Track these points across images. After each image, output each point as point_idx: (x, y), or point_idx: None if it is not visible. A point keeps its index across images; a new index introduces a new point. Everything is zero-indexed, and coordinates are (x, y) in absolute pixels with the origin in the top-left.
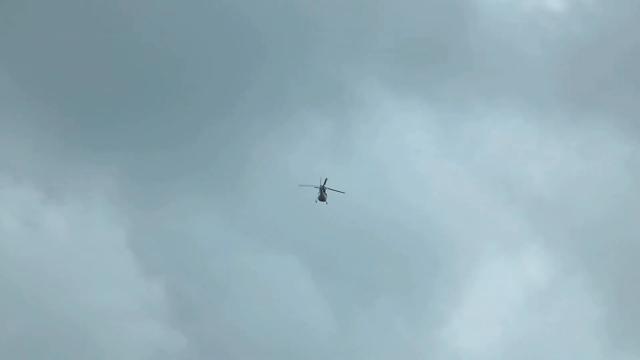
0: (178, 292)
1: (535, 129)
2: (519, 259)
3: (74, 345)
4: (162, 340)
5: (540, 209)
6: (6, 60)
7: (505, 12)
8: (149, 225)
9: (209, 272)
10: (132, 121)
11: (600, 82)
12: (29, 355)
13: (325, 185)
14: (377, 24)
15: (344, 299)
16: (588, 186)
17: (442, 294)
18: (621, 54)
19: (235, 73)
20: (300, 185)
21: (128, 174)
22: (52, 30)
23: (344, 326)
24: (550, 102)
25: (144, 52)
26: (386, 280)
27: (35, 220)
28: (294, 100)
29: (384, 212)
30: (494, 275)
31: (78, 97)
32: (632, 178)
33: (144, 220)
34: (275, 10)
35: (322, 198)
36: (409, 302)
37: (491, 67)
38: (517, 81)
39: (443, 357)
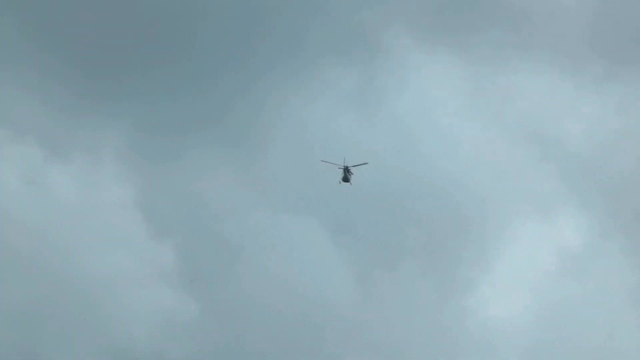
0: (190, 256)
1: (570, 83)
2: (552, 221)
3: (78, 312)
4: (173, 307)
5: (576, 168)
6: (8, 7)
7: None
8: (159, 183)
9: (223, 234)
10: (143, 71)
11: (638, 34)
12: (31, 322)
13: (348, 166)
14: None
15: (365, 263)
16: (626, 144)
17: (470, 258)
18: None
19: (252, 20)
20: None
21: (138, 128)
22: None
23: (364, 292)
24: (586, 56)
25: None
26: (411, 243)
27: (38, 179)
28: (315, 49)
29: (410, 171)
30: (526, 238)
31: (84, 46)
32: None
33: (155, 177)
34: None
35: (346, 179)
36: (434, 267)
37: (525, 18)
38: (552, 34)
39: (471, 326)
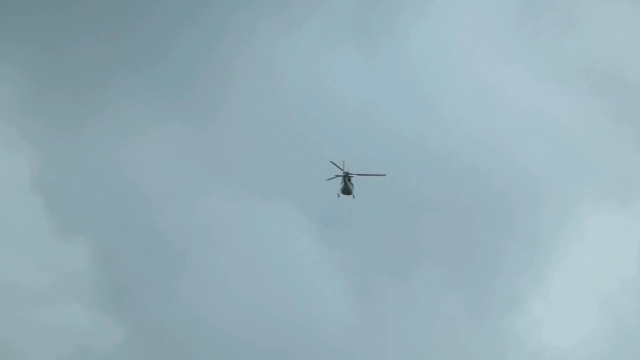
0: (111, 260)
1: None
2: (633, 211)
3: None
4: (87, 330)
5: None
6: None
7: None
8: (64, 156)
9: (160, 229)
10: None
11: None
12: None
13: (349, 173)
14: None
15: (365, 268)
16: None
17: (515, 264)
18: None
19: None
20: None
21: (33, 78)
22: None
23: (364, 310)
24: None
25: None
26: (427, 241)
27: None
28: None
29: (426, 136)
30: (596, 236)
31: None
32: None
33: (58, 148)
34: None
35: (346, 190)
36: (462, 275)
37: None
38: None
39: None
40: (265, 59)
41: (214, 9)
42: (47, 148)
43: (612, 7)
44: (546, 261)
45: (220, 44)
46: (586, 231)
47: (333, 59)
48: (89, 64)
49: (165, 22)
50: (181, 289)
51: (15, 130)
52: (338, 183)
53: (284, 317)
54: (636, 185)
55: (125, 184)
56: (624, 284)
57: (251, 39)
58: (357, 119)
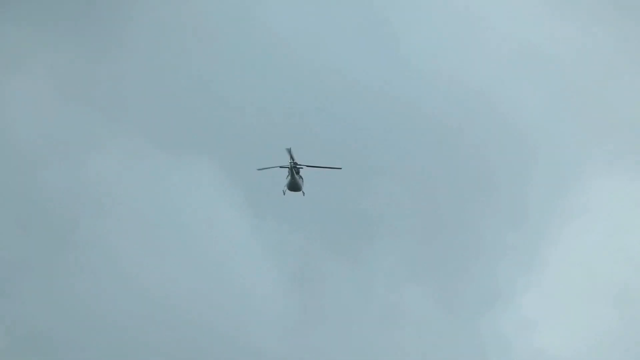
0: None
1: None
2: None
3: None
4: None
5: None
6: None
7: None
8: None
9: (39, 195)
10: None
11: None
12: None
13: (298, 163)
14: None
15: (303, 246)
16: None
17: (497, 246)
18: None
19: None
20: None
21: None
22: None
23: (300, 301)
24: None
25: None
26: (386, 214)
27: None
28: None
29: (384, 81)
30: (604, 207)
31: None
32: None
33: None
34: None
35: (294, 186)
36: (428, 258)
37: None
38: None
39: None
40: None
41: None
42: None
43: None
44: (539, 241)
45: None
46: (592, 203)
47: None
48: None
49: None
50: (64, 274)
51: None
52: (276, 174)
53: (199, 311)
54: None
55: None
56: None
57: None
58: (297, 60)
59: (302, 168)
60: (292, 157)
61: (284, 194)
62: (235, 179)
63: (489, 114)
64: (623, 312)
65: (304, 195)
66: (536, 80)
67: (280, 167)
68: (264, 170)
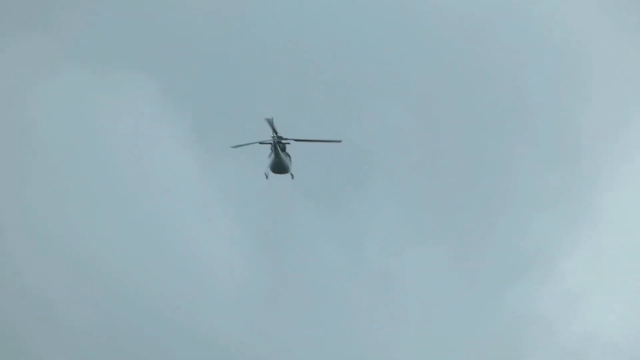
0: None
1: None
2: None
3: None
4: None
5: None
6: None
7: None
8: None
9: None
10: None
11: None
12: None
13: (282, 137)
14: None
15: (272, 191)
16: None
17: (531, 201)
18: None
19: None
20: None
21: None
22: None
23: (266, 259)
24: None
25: None
26: (388, 149)
27: None
28: None
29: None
30: None
31: None
32: None
33: None
34: None
35: (279, 166)
36: (449, 205)
37: None
38: None
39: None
40: None
41: None
42: None
43: None
44: (588, 189)
45: None
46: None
47: None
48: None
49: None
50: None
51: None
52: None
53: (133, 276)
54: None
55: None
56: None
57: None
58: None
59: (288, 143)
60: (274, 130)
61: (267, 177)
62: (180, 102)
63: (518, 22)
64: None
65: (292, 177)
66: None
67: (260, 142)
68: (240, 147)
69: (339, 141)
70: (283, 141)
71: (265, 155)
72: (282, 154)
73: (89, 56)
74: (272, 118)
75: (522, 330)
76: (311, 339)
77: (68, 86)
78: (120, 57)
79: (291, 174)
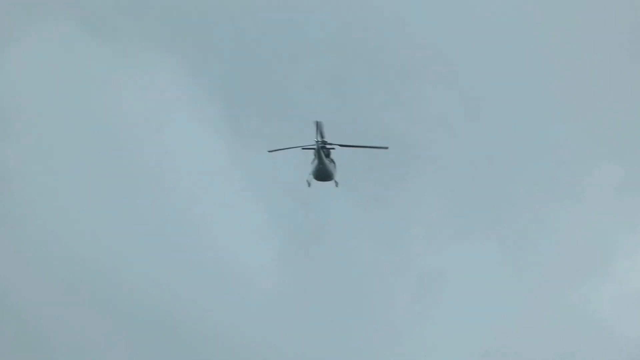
0: None
1: None
2: None
3: None
4: None
5: None
6: None
7: None
8: None
9: None
10: None
11: None
12: None
13: (326, 142)
14: None
15: (306, 183)
16: None
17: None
18: None
19: None
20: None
21: None
22: None
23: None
24: None
25: None
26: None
27: None
28: None
29: None
30: None
31: None
32: None
33: None
34: None
35: (323, 173)
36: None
37: None
38: None
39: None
40: None
41: None
42: None
43: None
44: None
45: None
46: None
47: None
48: None
49: None
50: None
51: None
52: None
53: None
54: None
55: None
56: None
57: None
58: None
59: (333, 149)
60: (321, 134)
61: (309, 185)
62: (211, 86)
63: None
64: None
65: (336, 185)
66: None
67: (303, 148)
68: (277, 152)
69: (386, 147)
70: (327, 146)
71: (302, 156)
72: (326, 160)
73: (117, 36)
74: (320, 122)
75: (578, 333)
76: (351, 337)
77: (95, 67)
78: (149, 38)
79: (335, 182)
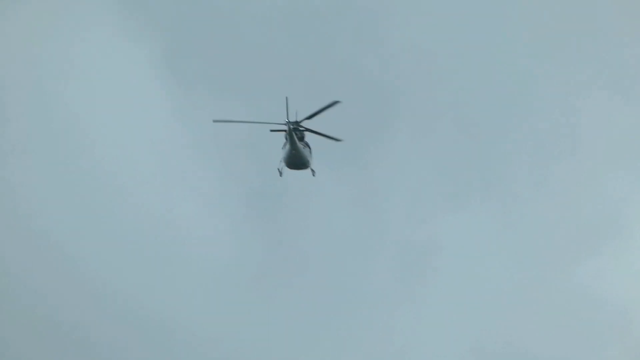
0: None
1: None
2: None
3: None
4: None
5: None
6: None
7: None
8: None
9: None
10: None
11: None
12: None
13: (299, 124)
14: None
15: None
16: None
17: None
18: None
19: None
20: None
21: None
22: None
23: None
24: None
25: None
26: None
27: None
28: None
29: None
30: None
31: None
32: None
33: None
34: None
35: (297, 160)
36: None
37: None
38: None
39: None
40: None
41: None
42: None
43: None
44: None
45: None
46: None
47: None
48: None
49: None
50: None
51: None
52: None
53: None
54: None
55: None
56: None
57: None
58: None
59: (301, 135)
60: (291, 116)
61: (280, 174)
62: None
63: None
64: None
65: (313, 174)
66: None
67: (271, 130)
68: (228, 123)
69: (340, 140)
70: (301, 129)
71: (275, 142)
72: (299, 145)
73: None
74: (287, 98)
75: (586, 314)
76: (336, 317)
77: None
78: None
79: (312, 170)
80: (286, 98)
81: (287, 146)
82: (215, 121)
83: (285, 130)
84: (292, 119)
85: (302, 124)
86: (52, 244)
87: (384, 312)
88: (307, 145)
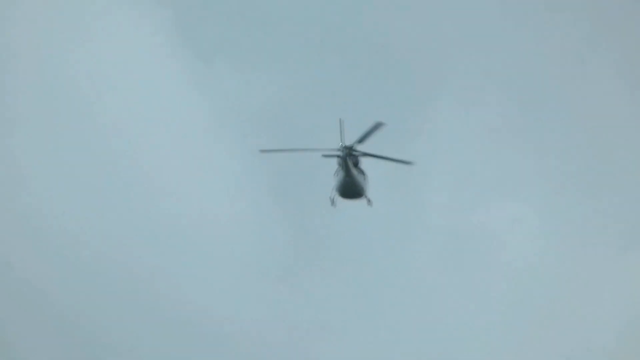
0: None
1: None
2: None
3: None
4: None
5: None
6: None
7: None
8: None
9: None
10: None
11: None
12: None
13: (353, 148)
14: None
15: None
16: None
17: None
18: None
19: None
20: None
21: None
22: None
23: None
24: None
25: None
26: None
27: None
28: None
29: None
30: None
31: None
32: None
33: None
34: None
35: (351, 188)
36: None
37: None
38: None
39: None
40: None
41: None
42: None
43: None
44: None
45: None
46: None
47: None
48: None
49: None
50: None
51: None
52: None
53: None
54: None
55: None
56: None
57: None
58: None
59: (356, 160)
60: (344, 146)
61: (332, 203)
62: None
63: None
64: None
65: (369, 203)
66: None
67: (325, 155)
68: (271, 153)
69: (410, 163)
70: (354, 153)
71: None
72: (353, 171)
73: None
74: (341, 120)
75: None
76: (379, 310)
77: None
78: None
79: (368, 199)
80: (340, 120)
81: (341, 173)
82: (262, 151)
83: (338, 156)
84: (338, 141)
85: (359, 152)
86: (70, 228)
87: (430, 304)
88: (362, 171)
